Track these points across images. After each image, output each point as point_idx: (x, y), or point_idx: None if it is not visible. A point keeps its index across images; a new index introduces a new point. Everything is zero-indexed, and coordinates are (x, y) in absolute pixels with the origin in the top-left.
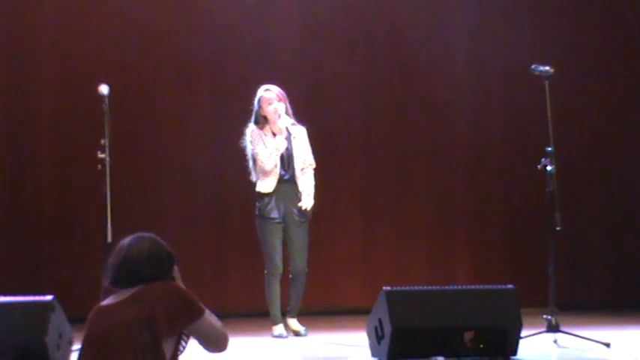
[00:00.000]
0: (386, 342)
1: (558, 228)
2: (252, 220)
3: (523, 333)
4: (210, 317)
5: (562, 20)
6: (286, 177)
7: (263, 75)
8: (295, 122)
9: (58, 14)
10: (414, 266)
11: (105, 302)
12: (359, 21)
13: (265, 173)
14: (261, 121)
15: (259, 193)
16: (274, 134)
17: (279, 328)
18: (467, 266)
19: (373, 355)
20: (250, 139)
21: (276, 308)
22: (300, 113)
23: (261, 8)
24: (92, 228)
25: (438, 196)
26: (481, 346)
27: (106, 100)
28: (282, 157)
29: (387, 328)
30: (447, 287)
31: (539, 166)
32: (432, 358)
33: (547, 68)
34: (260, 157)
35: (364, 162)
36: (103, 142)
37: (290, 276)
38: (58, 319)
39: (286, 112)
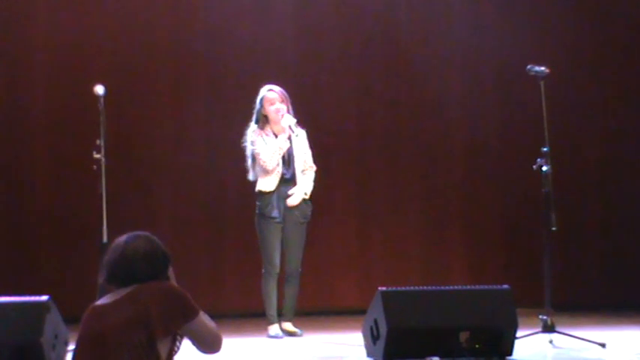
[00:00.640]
0: (381, 342)
1: (554, 228)
2: (248, 221)
3: (519, 333)
4: (204, 318)
5: (558, 21)
6: (287, 176)
7: (259, 76)
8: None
9: (53, 14)
10: (409, 266)
11: (100, 302)
12: (355, 22)
13: (267, 172)
14: (262, 121)
15: (260, 191)
16: (275, 134)
17: (274, 328)
18: (462, 267)
19: (369, 355)
20: (251, 138)
21: (272, 308)
22: (295, 114)
23: (257, 9)
24: (88, 228)
25: (433, 197)
26: (477, 346)
27: (102, 101)
28: (283, 157)
29: (383, 329)
30: (442, 287)
31: (534, 167)
32: (428, 358)
33: (542, 69)
34: (262, 157)
35: (360, 162)
36: (98, 142)
37: (286, 276)
38: (54, 319)
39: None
